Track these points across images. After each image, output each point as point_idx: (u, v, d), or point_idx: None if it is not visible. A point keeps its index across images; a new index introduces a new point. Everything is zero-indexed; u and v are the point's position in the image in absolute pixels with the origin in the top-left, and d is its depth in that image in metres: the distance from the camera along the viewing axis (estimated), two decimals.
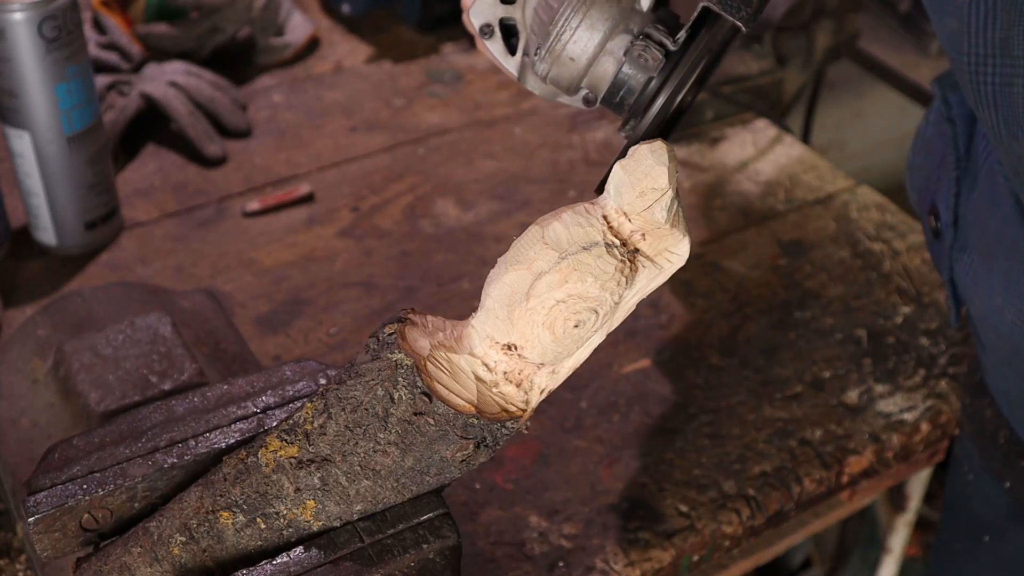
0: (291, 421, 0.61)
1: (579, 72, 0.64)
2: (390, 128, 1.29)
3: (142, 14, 1.30)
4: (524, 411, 0.59)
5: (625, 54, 0.62)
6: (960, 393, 1.00)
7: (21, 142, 1.02)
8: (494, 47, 0.67)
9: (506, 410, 0.59)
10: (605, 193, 0.58)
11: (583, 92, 0.66)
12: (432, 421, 0.58)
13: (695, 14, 0.60)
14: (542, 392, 0.60)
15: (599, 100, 0.65)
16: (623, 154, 0.59)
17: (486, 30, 0.66)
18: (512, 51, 0.66)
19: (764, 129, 1.32)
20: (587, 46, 0.63)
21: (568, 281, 0.57)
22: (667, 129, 0.64)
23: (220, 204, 1.17)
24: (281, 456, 0.60)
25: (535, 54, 0.65)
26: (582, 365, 0.60)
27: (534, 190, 1.20)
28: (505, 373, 0.59)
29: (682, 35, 0.61)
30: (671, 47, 0.62)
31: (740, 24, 0.58)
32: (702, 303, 1.08)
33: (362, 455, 0.59)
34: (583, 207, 0.58)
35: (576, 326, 0.57)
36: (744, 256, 1.14)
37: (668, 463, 0.92)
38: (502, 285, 0.58)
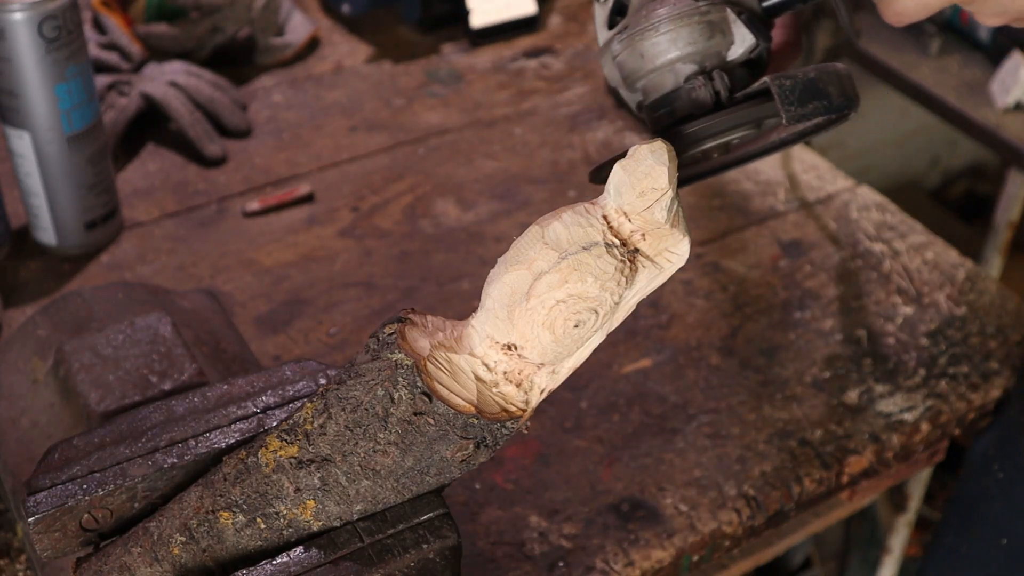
0: (291, 421, 0.61)
1: (642, 71, 0.66)
2: (390, 128, 1.29)
3: (142, 14, 1.30)
4: (524, 411, 0.59)
5: (685, 80, 0.64)
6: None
7: (21, 142, 1.02)
8: (599, 12, 0.69)
9: (506, 410, 0.59)
10: (605, 193, 0.58)
11: (638, 95, 0.67)
12: (432, 421, 0.58)
13: (756, 85, 0.62)
14: (542, 392, 0.60)
15: (644, 106, 0.67)
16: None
17: None
18: (611, 25, 0.68)
19: None
20: (660, 53, 0.65)
21: (568, 281, 0.57)
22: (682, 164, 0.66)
23: (220, 204, 1.17)
24: (281, 456, 0.60)
25: (621, 33, 0.66)
26: (582, 365, 0.60)
27: (534, 190, 1.20)
28: (505, 373, 0.59)
29: (738, 96, 0.64)
30: (722, 99, 0.64)
31: (783, 115, 0.59)
32: (702, 303, 1.08)
33: (362, 455, 0.59)
34: (583, 207, 0.58)
35: (576, 326, 0.57)
36: (744, 256, 1.14)
37: (668, 463, 0.93)
38: (502, 285, 0.58)
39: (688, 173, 0.74)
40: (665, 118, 0.66)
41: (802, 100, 0.60)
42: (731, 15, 0.64)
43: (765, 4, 0.66)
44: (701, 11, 0.64)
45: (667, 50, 0.64)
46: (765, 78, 0.60)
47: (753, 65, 0.66)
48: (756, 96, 0.62)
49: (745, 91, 0.63)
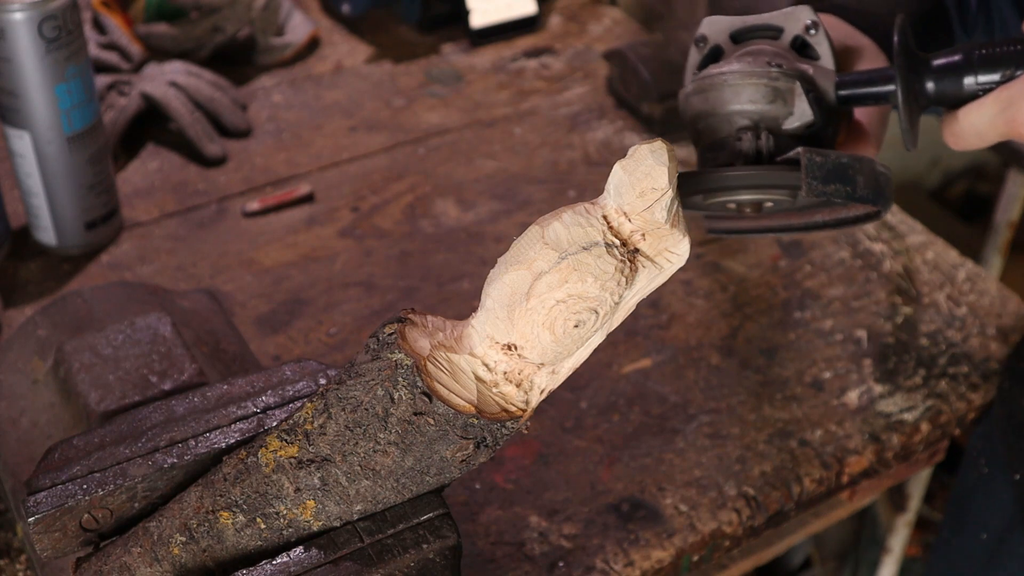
0: (291, 421, 0.61)
1: (700, 112, 0.69)
2: (390, 128, 1.29)
3: (142, 14, 1.30)
4: (524, 411, 0.59)
5: (736, 130, 0.68)
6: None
7: (21, 142, 1.02)
8: (693, 54, 0.73)
9: (506, 410, 0.59)
10: (605, 193, 0.58)
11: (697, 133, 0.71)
12: (432, 421, 0.58)
13: (791, 153, 0.64)
14: (542, 392, 0.60)
15: (697, 142, 0.71)
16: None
17: (700, 41, 0.73)
18: (700, 69, 0.72)
19: None
20: (723, 103, 0.68)
21: (568, 281, 0.57)
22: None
23: (220, 204, 1.17)
24: (281, 456, 0.60)
25: (694, 73, 0.72)
26: (582, 365, 0.60)
27: (534, 190, 1.20)
28: (505, 373, 0.59)
29: (777, 160, 0.67)
30: (763, 158, 0.67)
31: (803, 185, 0.62)
32: (702, 303, 1.08)
33: (362, 455, 0.59)
34: (583, 207, 0.58)
35: (576, 326, 0.57)
36: (744, 256, 1.14)
37: (668, 463, 0.93)
38: (502, 285, 0.58)
39: (722, 227, 0.77)
40: (710, 160, 0.69)
41: (826, 179, 0.62)
42: (799, 88, 0.67)
43: (840, 92, 0.69)
44: (771, 76, 0.67)
45: (729, 101, 0.68)
46: (800, 148, 0.63)
47: (807, 141, 0.68)
48: (788, 162, 0.65)
49: (784, 156, 0.66)
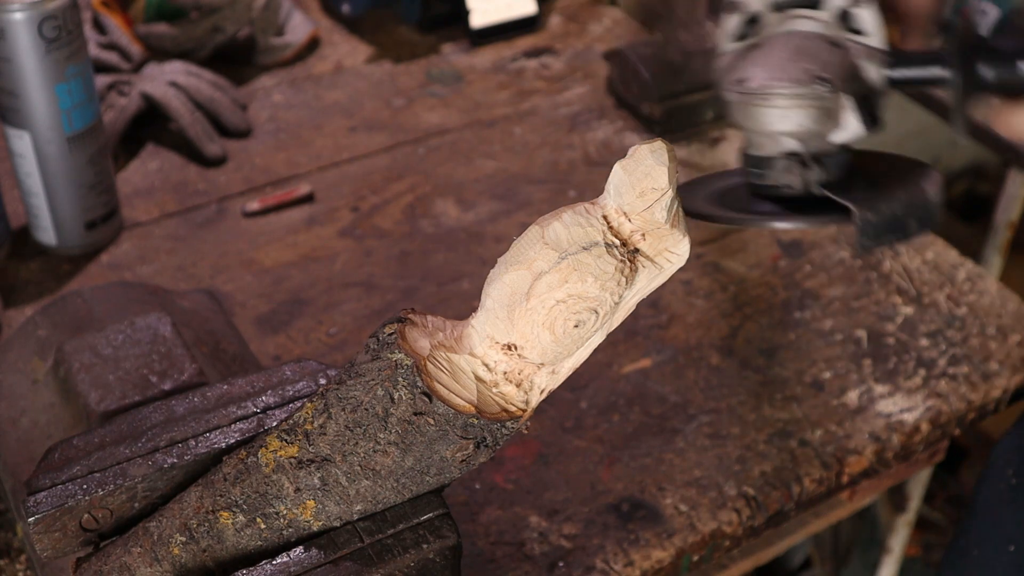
0: (291, 421, 0.61)
1: (748, 127, 0.66)
2: (390, 128, 1.29)
3: (142, 14, 1.30)
4: (524, 411, 0.59)
5: (784, 156, 0.65)
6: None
7: (21, 142, 1.02)
8: (728, 22, 0.69)
9: (506, 410, 0.59)
10: (605, 193, 0.58)
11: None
12: (432, 421, 0.58)
13: (842, 199, 0.62)
14: (542, 392, 0.60)
15: (742, 152, 0.68)
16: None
17: (736, 5, 0.68)
18: (741, 37, 0.68)
19: None
20: (769, 123, 0.65)
21: (568, 281, 0.57)
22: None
23: (220, 204, 1.17)
24: (281, 456, 0.60)
25: (739, 84, 0.67)
26: (582, 365, 0.60)
27: (534, 190, 1.20)
28: (505, 373, 0.59)
29: (824, 192, 0.64)
30: (811, 189, 0.65)
31: (857, 247, 0.60)
32: (702, 303, 1.08)
33: (362, 455, 0.59)
34: (583, 207, 0.58)
35: (576, 326, 0.57)
36: (744, 256, 1.14)
37: (668, 463, 0.93)
38: (502, 285, 0.58)
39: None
40: (755, 177, 0.66)
41: (878, 234, 0.60)
42: (848, 103, 0.64)
43: (890, 75, 0.66)
44: (820, 96, 0.63)
45: (776, 123, 0.65)
46: (852, 206, 0.60)
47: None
48: (837, 210, 0.62)
49: (832, 194, 0.63)
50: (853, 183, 0.65)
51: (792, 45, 0.66)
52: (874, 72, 0.66)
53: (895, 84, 0.66)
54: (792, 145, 0.65)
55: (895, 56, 0.66)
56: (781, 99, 0.64)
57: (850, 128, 0.65)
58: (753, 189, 0.67)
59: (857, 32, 0.66)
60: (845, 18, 0.66)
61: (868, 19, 0.66)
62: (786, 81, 0.64)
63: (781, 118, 0.64)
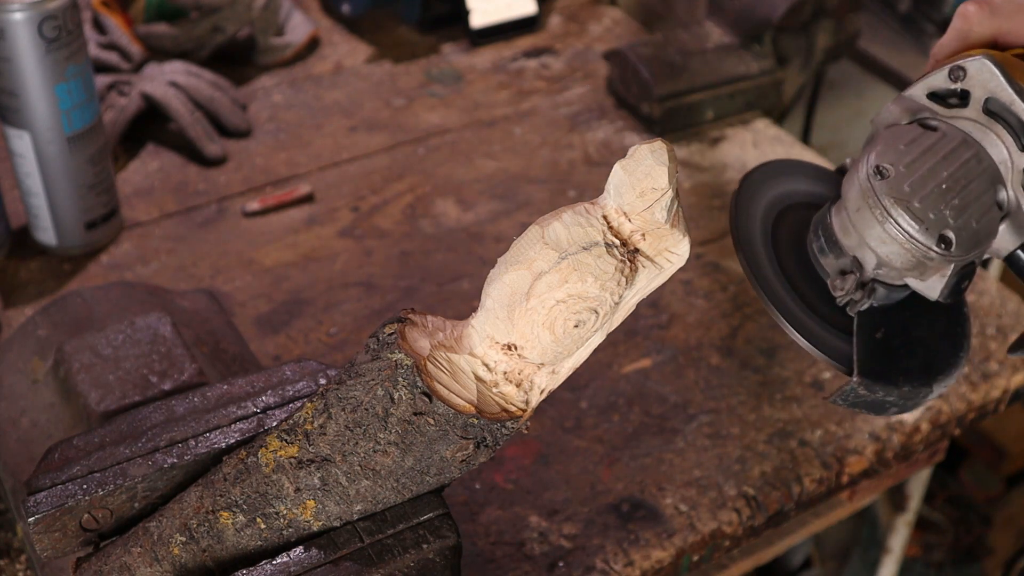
0: (291, 421, 0.61)
1: (847, 206, 0.61)
2: (390, 128, 1.29)
3: (142, 14, 1.30)
4: (524, 411, 0.59)
5: (851, 263, 0.61)
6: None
7: (21, 142, 1.02)
8: (937, 78, 0.61)
9: (506, 410, 0.59)
10: (605, 193, 0.58)
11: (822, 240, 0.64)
12: (432, 421, 0.58)
13: (853, 327, 0.61)
14: (542, 392, 0.60)
15: (813, 236, 0.64)
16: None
17: (959, 73, 0.61)
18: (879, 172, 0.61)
19: (764, 129, 1.32)
20: (864, 227, 0.59)
21: (568, 281, 0.57)
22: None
23: (220, 204, 1.17)
24: (281, 456, 0.60)
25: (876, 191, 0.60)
26: (582, 365, 0.60)
27: (534, 190, 1.20)
28: (505, 373, 0.59)
29: (848, 312, 0.62)
30: (847, 310, 0.63)
31: (832, 398, 0.61)
32: (702, 303, 1.08)
33: (362, 455, 0.59)
34: (583, 207, 0.58)
35: (576, 326, 0.57)
36: None
37: (668, 463, 0.92)
38: (502, 285, 0.58)
39: None
40: (812, 259, 0.63)
41: (855, 403, 0.60)
42: (949, 272, 0.59)
43: (1012, 261, 0.60)
44: (928, 256, 0.58)
45: (872, 237, 0.59)
46: (855, 378, 0.59)
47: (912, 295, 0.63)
48: (847, 355, 0.61)
49: (859, 332, 0.61)
50: (889, 330, 0.62)
51: (954, 168, 0.59)
52: (1006, 245, 0.60)
53: (1017, 267, 0.61)
54: (871, 260, 0.60)
55: None
56: (895, 229, 0.58)
57: (928, 287, 0.60)
58: (806, 252, 0.63)
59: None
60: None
61: None
62: (913, 217, 0.58)
63: (879, 238, 0.59)
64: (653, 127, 1.29)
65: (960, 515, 1.88)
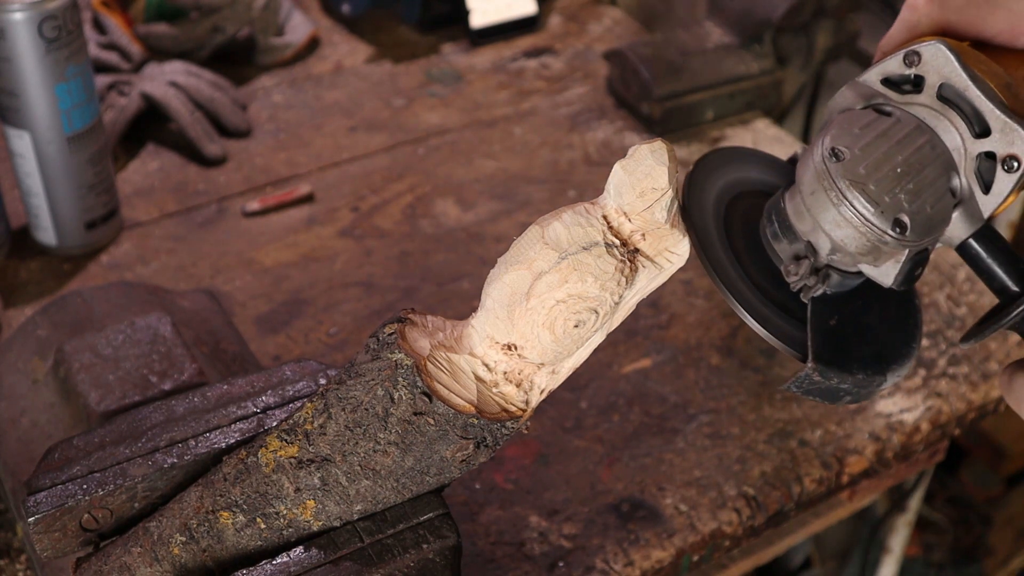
0: (291, 421, 0.61)
1: (802, 189, 0.60)
2: (390, 128, 1.29)
3: (142, 14, 1.30)
4: (524, 411, 0.59)
5: (805, 247, 0.60)
6: None
7: (21, 142, 1.02)
8: (889, 65, 0.61)
9: (506, 410, 0.59)
10: (605, 193, 0.58)
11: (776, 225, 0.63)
12: (432, 421, 0.58)
13: (807, 314, 0.60)
14: (542, 392, 0.60)
15: (767, 225, 0.63)
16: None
17: (912, 57, 0.60)
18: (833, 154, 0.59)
19: (764, 129, 1.32)
20: (817, 209, 0.58)
21: (568, 281, 0.57)
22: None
23: (220, 204, 1.17)
24: (281, 456, 0.60)
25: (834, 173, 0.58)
26: (582, 365, 0.60)
27: (534, 190, 1.20)
28: (505, 373, 0.59)
29: (802, 299, 0.61)
30: (801, 296, 0.61)
31: (787, 384, 0.59)
32: (702, 303, 1.08)
33: (362, 455, 0.59)
34: (583, 207, 0.58)
35: (576, 326, 0.57)
36: None
37: (668, 463, 0.93)
38: (502, 285, 0.58)
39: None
40: (766, 247, 0.62)
41: (808, 390, 0.60)
42: (904, 258, 0.58)
43: (962, 251, 0.59)
44: (883, 240, 0.57)
45: (826, 220, 0.58)
46: (810, 363, 0.58)
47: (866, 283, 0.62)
48: (800, 341, 0.60)
49: (812, 317, 0.60)
50: (843, 318, 0.62)
51: (908, 152, 0.58)
52: (958, 233, 0.59)
53: (968, 260, 0.60)
54: (824, 245, 0.59)
55: (990, 236, 0.59)
56: (848, 210, 0.57)
57: (882, 273, 0.59)
58: (759, 239, 0.62)
59: (983, 184, 0.59)
60: (984, 166, 0.59)
61: (1002, 184, 0.58)
62: (868, 199, 0.57)
63: (834, 221, 0.58)
64: (653, 127, 1.29)
65: (960, 515, 1.88)
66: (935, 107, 0.59)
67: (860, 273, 0.61)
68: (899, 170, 0.58)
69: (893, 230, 0.57)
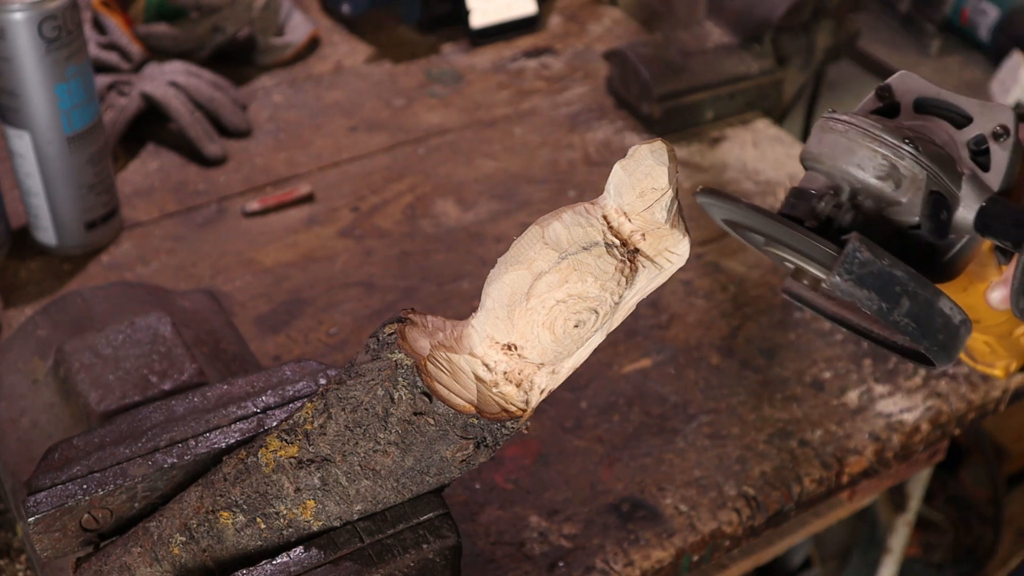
0: (291, 421, 0.61)
1: (812, 153, 0.61)
2: (390, 128, 1.29)
3: (142, 14, 1.30)
4: (524, 411, 0.59)
5: (826, 187, 0.60)
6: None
7: (21, 142, 1.02)
8: (867, 102, 0.64)
9: (506, 410, 0.59)
10: (605, 193, 0.58)
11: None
12: (432, 421, 0.58)
13: (849, 236, 0.57)
14: (542, 392, 0.60)
15: (791, 188, 0.64)
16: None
17: (884, 92, 0.63)
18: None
19: (764, 129, 1.32)
20: (831, 151, 0.60)
21: (568, 281, 0.57)
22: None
23: (220, 204, 1.17)
24: (281, 456, 0.60)
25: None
26: (582, 365, 0.60)
27: (534, 190, 1.20)
28: (505, 373, 0.59)
29: (841, 237, 0.59)
30: (832, 227, 0.60)
31: (833, 272, 0.55)
32: (702, 303, 1.08)
33: (362, 455, 0.59)
34: (583, 207, 0.58)
35: (576, 326, 0.57)
36: (744, 256, 1.14)
37: (668, 463, 0.93)
38: (502, 285, 0.58)
39: (796, 293, 0.68)
40: (785, 206, 0.62)
41: (862, 280, 0.54)
42: (923, 183, 0.58)
43: (978, 219, 0.59)
44: (897, 152, 0.58)
45: (839, 156, 0.59)
46: (855, 233, 0.55)
47: (903, 242, 0.60)
48: (839, 243, 0.57)
49: (845, 236, 0.57)
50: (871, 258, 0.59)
51: (913, 124, 0.61)
52: (970, 208, 0.59)
53: (983, 231, 0.60)
54: (844, 186, 0.59)
55: (998, 204, 0.59)
56: (856, 132, 0.58)
57: (910, 211, 0.59)
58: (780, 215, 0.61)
59: (980, 166, 0.60)
60: (978, 149, 0.61)
61: (1001, 156, 0.60)
62: (877, 124, 0.58)
63: (847, 152, 0.58)
64: (653, 127, 1.29)
65: (960, 515, 1.88)
66: (916, 122, 0.63)
67: (887, 220, 0.59)
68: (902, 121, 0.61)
69: (903, 142, 0.58)
